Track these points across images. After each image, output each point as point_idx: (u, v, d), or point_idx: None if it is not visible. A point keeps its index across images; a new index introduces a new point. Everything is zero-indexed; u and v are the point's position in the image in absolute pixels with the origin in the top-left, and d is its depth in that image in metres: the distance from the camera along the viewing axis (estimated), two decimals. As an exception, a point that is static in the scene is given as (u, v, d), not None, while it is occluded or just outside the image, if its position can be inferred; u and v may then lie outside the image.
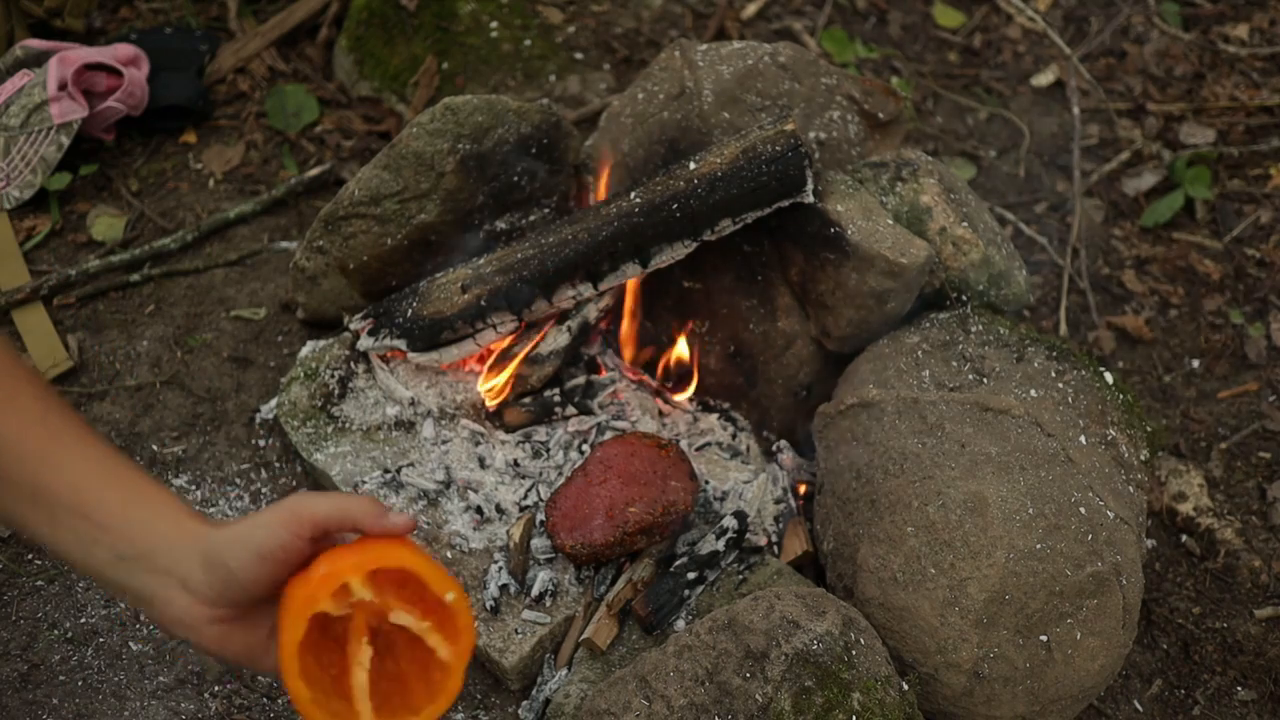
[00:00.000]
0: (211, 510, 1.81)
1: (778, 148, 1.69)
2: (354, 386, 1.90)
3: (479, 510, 1.75)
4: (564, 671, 1.60)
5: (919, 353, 1.73)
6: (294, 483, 1.87)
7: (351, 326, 1.92)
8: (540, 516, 1.73)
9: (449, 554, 1.70)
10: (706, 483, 1.81)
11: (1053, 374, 1.68)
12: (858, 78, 2.00)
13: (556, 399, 1.88)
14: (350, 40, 2.58)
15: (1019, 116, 2.82)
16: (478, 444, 1.84)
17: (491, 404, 1.86)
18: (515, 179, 1.96)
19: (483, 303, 1.79)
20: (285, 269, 2.18)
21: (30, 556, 1.73)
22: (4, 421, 0.91)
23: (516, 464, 1.82)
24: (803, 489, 1.86)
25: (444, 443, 1.84)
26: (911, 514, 1.52)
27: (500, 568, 1.67)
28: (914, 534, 1.51)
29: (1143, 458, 1.67)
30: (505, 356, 1.87)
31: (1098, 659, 1.48)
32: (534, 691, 1.60)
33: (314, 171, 2.36)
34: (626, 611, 1.63)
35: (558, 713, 1.52)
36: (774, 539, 1.77)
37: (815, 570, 1.76)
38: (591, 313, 1.88)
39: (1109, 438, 1.63)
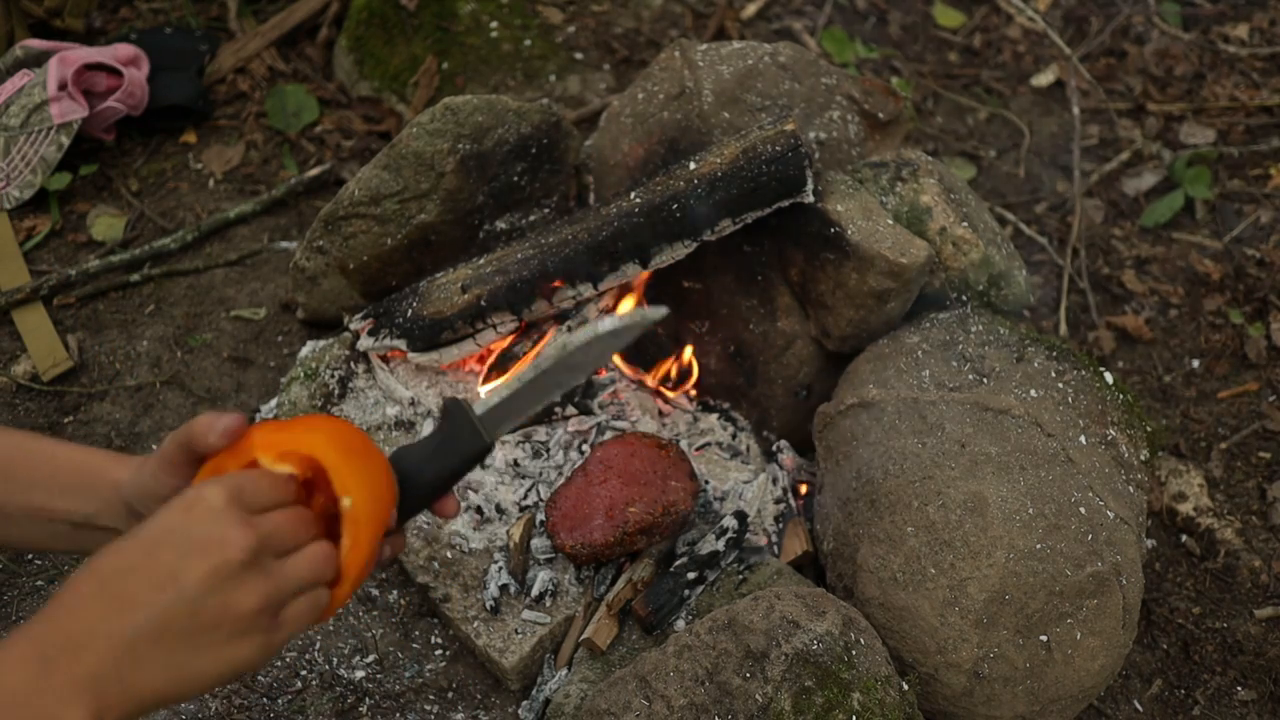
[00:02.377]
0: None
1: (778, 148, 1.69)
2: (354, 386, 1.90)
3: (479, 510, 1.75)
4: (564, 671, 1.60)
5: (919, 353, 1.73)
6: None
7: (351, 326, 1.92)
8: (540, 516, 1.73)
9: (449, 554, 1.70)
10: (706, 483, 1.81)
11: (1053, 374, 1.68)
12: (858, 78, 2.00)
13: (556, 399, 1.88)
14: (350, 40, 2.58)
15: (1019, 116, 2.82)
16: (478, 444, 1.84)
17: (491, 404, 1.86)
18: (515, 179, 1.96)
19: (483, 303, 1.79)
20: (285, 269, 2.18)
21: (30, 557, 1.73)
22: None
23: (516, 464, 1.82)
24: (803, 489, 1.86)
25: (444, 443, 1.83)
26: (911, 514, 1.52)
27: (500, 568, 1.67)
28: (914, 534, 1.51)
29: (1143, 458, 1.67)
30: (507, 358, 1.87)
31: (1098, 659, 1.48)
32: (534, 691, 1.60)
33: (314, 171, 2.36)
34: (626, 611, 1.63)
35: (558, 713, 1.52)
36: (774, 539, 1.77)
37: (815, 570, 1.76)
38: (591, 313, 1.88)
39: (1109, 438, 1.63)
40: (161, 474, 0.93)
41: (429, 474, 0.98)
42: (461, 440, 1.00)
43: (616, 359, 1.97)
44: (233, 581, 0.79)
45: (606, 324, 1.03)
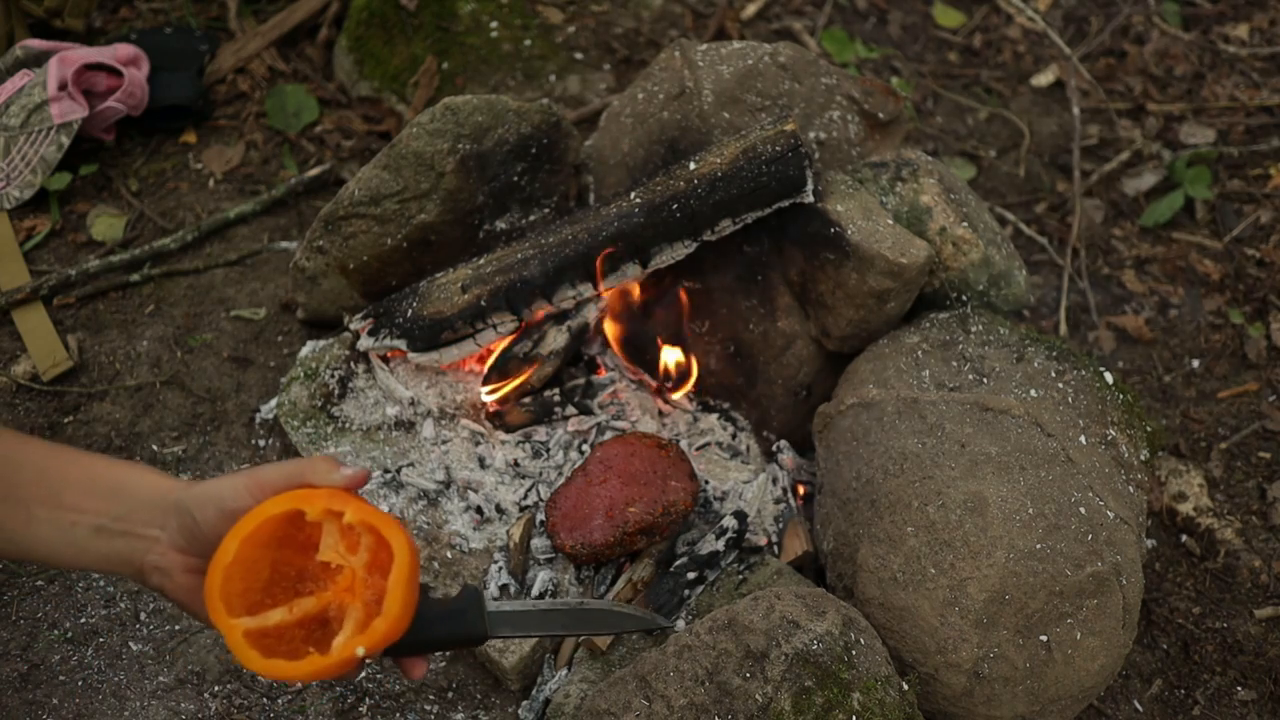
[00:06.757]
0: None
1: (778, 148, 1.69)
2: (354, 386, 1.90)
3: (479, 510, 1.75)
4: (564, 671, 1.60)
5: (919, 353, 1.73)
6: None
7: (351, 326, 1.92)
8: (540, 516, 1.73)
9: (449, 554, 1.70)
10: (706, 483, 1.81)
11: (1053, 374, 1.68)
12: (858, 78, 2.00)
13: (556, 399, 1.88)
14: (350, 40, 2.58)
15: (1019, 116, 2.82)
16: (478, 444, 1.85)
17: (492, 404, 1.86)
18: (515, 179, 1.96)
19: (483, 303, 1.79)
20: (285, 269, 2.18)
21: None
22: None
23: (516, 464, 1.82)
24: (803, 489, 1.86)
25: (444, 443, 1.84)
26: (911, 514, 1.52)
27: (500, 568, 1.67)
28: (914, 534, 1.51)
29: (1143, 458, 1.67)
30: (507, 358, 1.87)
31: (1098, 659, 1.48)
32: (534, 691, 1.60)
33: (314, 171, 2.36)
34: (626, 611, 1.63)
35: (558, 713, 1.52)
36: (774, 539, 1.77)
37: (815, 570, 1.76)
38: (591, 313, 1.88)
39: (1109, 438, 1.63)
40: (248, 494, 0.97)
41: (431, 625, 1.08)
42: (467, 619, 1.12)
43: (618, 355, 1.97)
44: None
45: (623, 607, 1.29)
